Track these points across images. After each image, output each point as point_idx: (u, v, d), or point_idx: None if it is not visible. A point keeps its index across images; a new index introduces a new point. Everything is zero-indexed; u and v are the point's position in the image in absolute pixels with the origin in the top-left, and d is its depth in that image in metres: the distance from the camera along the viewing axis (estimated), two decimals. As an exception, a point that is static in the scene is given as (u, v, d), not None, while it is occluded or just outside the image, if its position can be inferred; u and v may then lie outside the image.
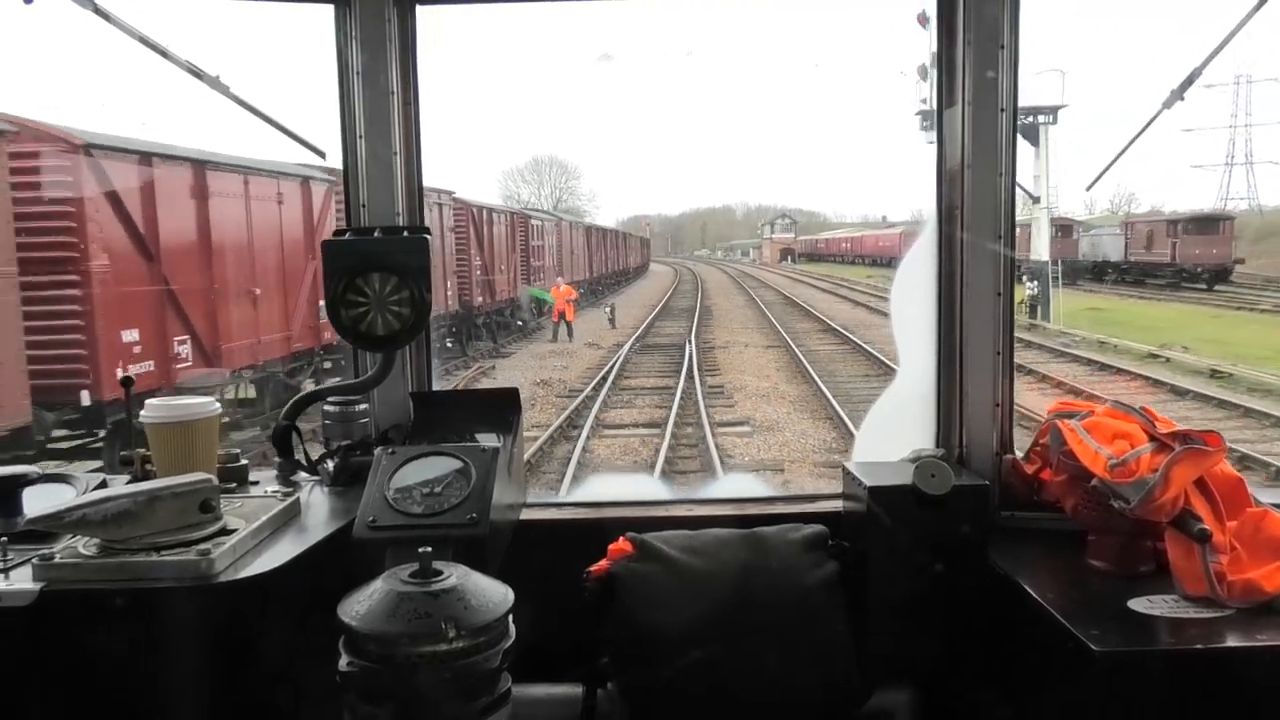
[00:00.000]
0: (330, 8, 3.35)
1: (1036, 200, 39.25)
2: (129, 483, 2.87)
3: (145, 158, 16.11)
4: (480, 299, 29.05)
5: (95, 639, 2.47)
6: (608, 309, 40.26)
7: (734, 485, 5.39)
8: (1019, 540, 3.12)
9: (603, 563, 3.09)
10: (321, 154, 3.60)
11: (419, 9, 3.40)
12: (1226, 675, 2.41)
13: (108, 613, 2.45)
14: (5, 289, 13.41)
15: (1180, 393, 20.97)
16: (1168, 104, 3.37)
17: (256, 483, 3.21)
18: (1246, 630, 2.46)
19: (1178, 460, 2.62)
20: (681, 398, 19.83)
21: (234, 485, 3.14)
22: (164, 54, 3.31)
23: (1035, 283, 36.33)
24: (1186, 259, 48.25)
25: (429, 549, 2.33)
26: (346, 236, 3.22)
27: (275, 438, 3.33)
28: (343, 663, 2.23)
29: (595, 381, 22.40)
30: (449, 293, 26.57)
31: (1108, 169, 3.72)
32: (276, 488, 3.15)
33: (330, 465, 3.31)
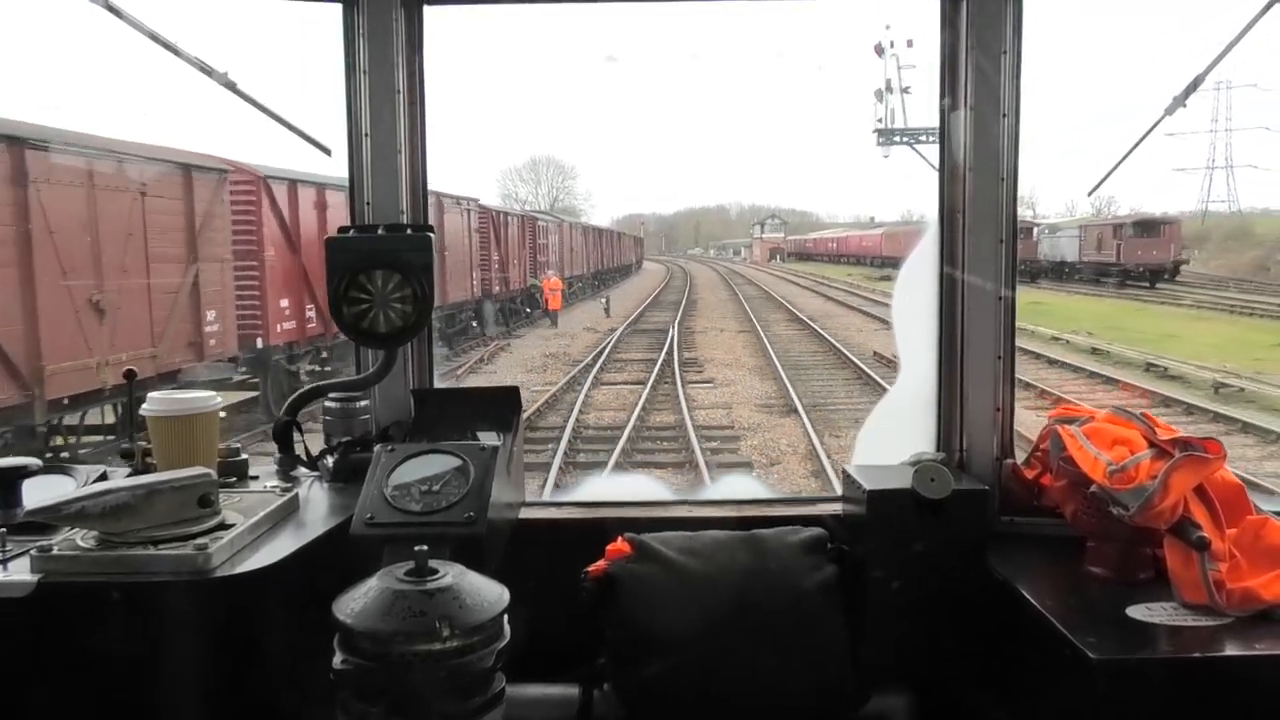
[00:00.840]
0: (338, 6, 3.34)
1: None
2: (129, 475, 2.87)
3: (291, 184, 22.00)
4: (498, 288, 33.89)
5: (92, 632, 2.45)
6: (603, 300, 44.26)
7: (733, 487, 5.39)
8: (1018, 546, 3.09)
9: (601, 563, 3.06)
10: (327, 151, 3.54)
11: (426, 9, 3.38)
12: (1225, 684, 2.39)
13: (104, 606, 2.44)
14: (225, 271, 19.54)
15: (1052, 362, 25.99)
16: (1170, 110, 3.35)
17: (256, 477, 3.19)
18: (1245, 639, 2.43)
19: (1177, 467, 2.59)
20: (662, 365, 24.64)
21: (234, 480, 3.12)
22: (174, 51, 3.29)
23: None
24: (1130, 259, 52.03)
25: (425, 548, 2.31)
26: (350, 234, 3.19)
27: (276, 433, 3.31)
28: (337, 660, 2.22)
29: (594, 354, 26.95)
30: (474, 282, 30.97)
31: (1110, 174, 3.67)
32: (276, 483, 3.12)
33: (330, 461, 3.30)
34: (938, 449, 3.41)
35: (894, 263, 69.75)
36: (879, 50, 43.69)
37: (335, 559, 2.66)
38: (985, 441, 3.35)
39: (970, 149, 3.28)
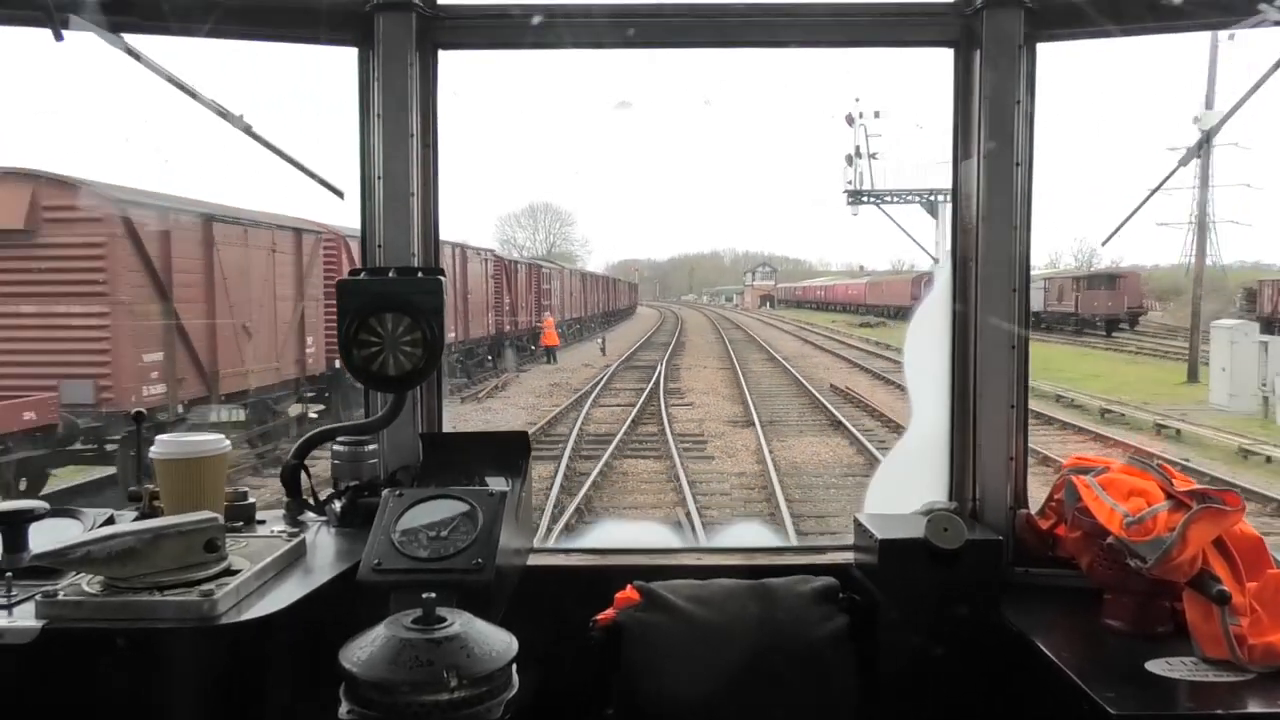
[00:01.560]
0: (354, 50, 3.14)
1: (937, 261, 39.61)
2: (136, 519, 2.68)
3: (504, 263, 24.56)
4: (508, 327, 36.13)
5: (97, 678, 2.24)
6: (600, 341, 45.80)
7: (743, 534, 5.04)
8: (1033, 597, 2.81)
9: (609, 611, 2.82)
10: (340, 194, 3.27)
11: (441, 53, 3.16)
12: None
13: (109, 652, 2.22)
14: (319, 307, 22.17)
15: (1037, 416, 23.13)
16: (1184, 161, 3.12)
17: (264, 522, 2.95)
18: (1268, 695, 2.19)
19: (1195, 519, 2.34)
20: (650, 393, 27.05)
21: (241, 524, 2.87)
22: (193, 95, 3.03)
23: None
24: (1087, 310, 52.38)
25: (432, 595, 2.10)
26: (361, 276, 2.96)
27: (284, 477, 3.07)
28: (343, 710, 2.02)
29: (591, 384, 29.70)
30: (489, 322, 33.19)
31: (1121, 226, 3.41)
32: (283, 528, 2.87)
33: (338, 506, 3.04)
34: (950, 498, 3.14)
35: (877, 310, 68.16)
36: (849, 120, 44.66)
37: (342, 605, 2.43)
38: (999, 491, 3.06)
39: (983, 198, 3.01)
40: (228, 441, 2.81)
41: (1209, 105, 33.48)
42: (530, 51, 3.18)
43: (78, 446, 15.19)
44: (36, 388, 14.86)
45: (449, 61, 3.16)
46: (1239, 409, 23.85)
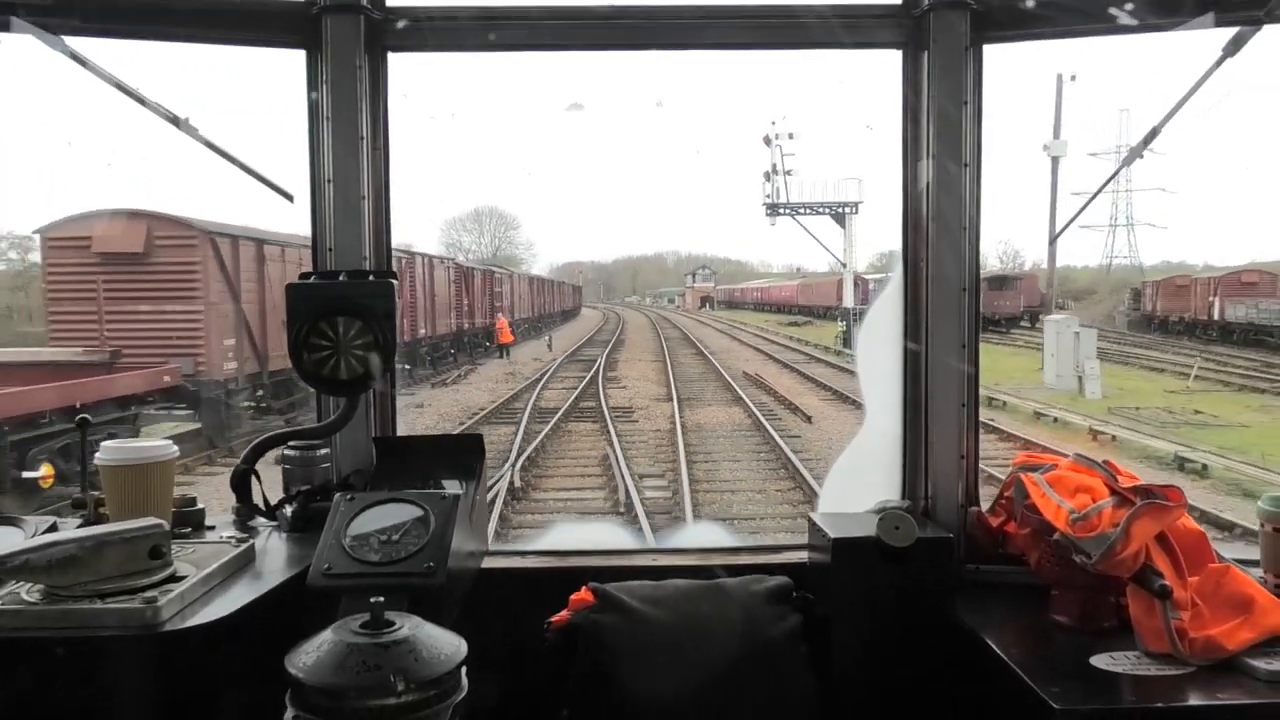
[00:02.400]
0: (302, 53, 2.87)
1: (845, 266, 46.52)
2: (80, 526, 2.45)
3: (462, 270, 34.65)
4: (466, 325, 37.36)
5: (37, 689, 2.03)
6: (547, 339, 47.17)
7: (699, 534, 4.68)
8: (984, 594, 2.60)
9: (564, 613, 2.58)
10: (289, 197, 2.98)
11: (390, 55, 2.90)
12: None
13: (49, 661, 2.00)
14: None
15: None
16: (1128, 161, 3.29)
17: (213, 528, 2.72)
18: (1208, 688, 2.05)
19: (1139, 515, 2.17)
20: (590, 379, 28.95)
21: (188, 530, 2.64)
22: (139, 100, 2.73)
23: (844, 322, 43.35)
24: (988, 309, 49.62)
25: (380, 599, 1.87)
26: (311, 280, 2.73)
27: (234, 482, 2.80)
28: (289, 716, 1.83)
29: (541, 373, 31.48)
30: (451, 320, 34.79)
31: (1067, 225, 3.47)
32: (232, 533, 2.64)
33: (289, 511, 2.78)
34: (903, 496, 2.90)
35: (808, 311, 66.52)
36: (767, 141, 45.31)
37: (291, 611, 2.22)
38: (950, 489, 2.83)
39: (932, 199, 2.77)
40: (175, 447, 2.59)
41: (1056, 135, 35.80)
42: (481, 54, 2.94)
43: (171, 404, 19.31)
44: (153, 363, 18.64)
45: (399, 64, 2.92)
46: (1062, 387, 26.53)
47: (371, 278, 2.70)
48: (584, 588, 2.58)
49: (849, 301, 42.53)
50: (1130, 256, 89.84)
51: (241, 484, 2.77)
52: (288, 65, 2.83)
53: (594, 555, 2.97)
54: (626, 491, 14.32)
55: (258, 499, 2.81)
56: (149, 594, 2.06)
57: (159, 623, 2.01)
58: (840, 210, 44.05)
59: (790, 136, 44.65)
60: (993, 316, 50.10)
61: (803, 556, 2.84)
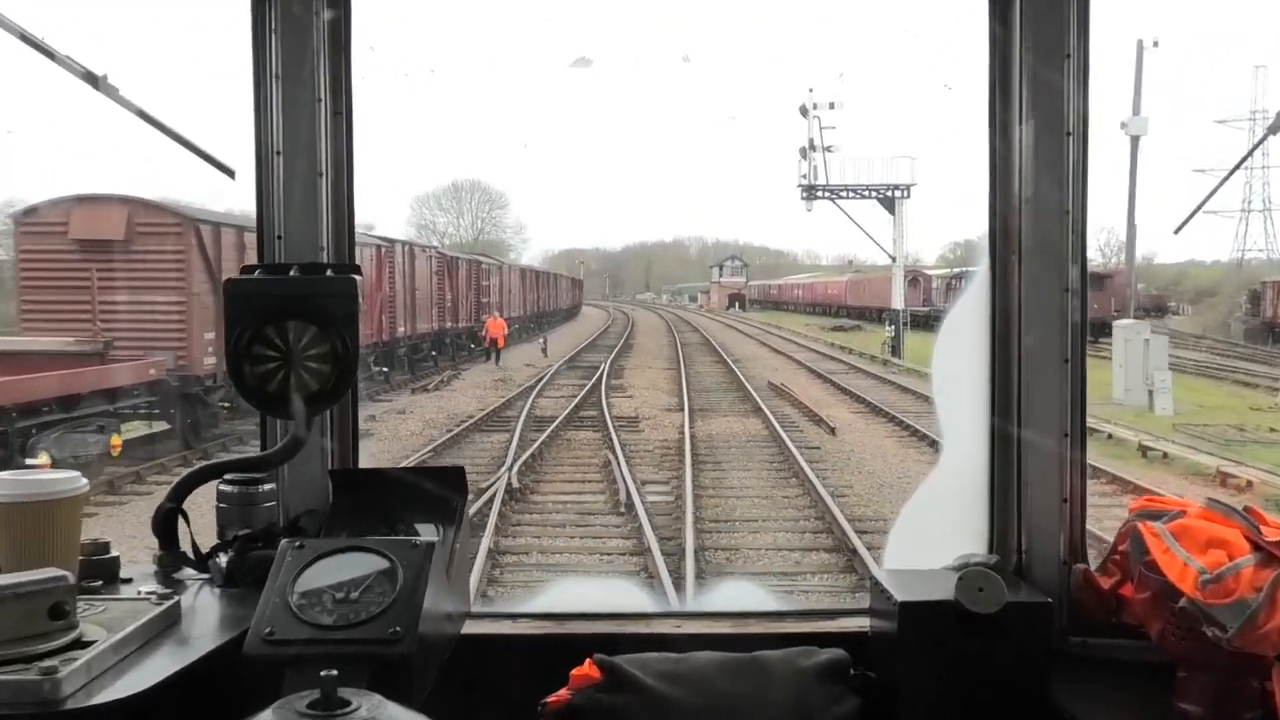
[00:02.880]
0: None
1: (894, 260, 45.10)
2: None
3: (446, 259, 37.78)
4: (450, 324, 38.01)
5: None
6: (541, 341, 47.61)
7: (731, 596, 4.12)
8: (1090, 673, 2.41)
9: (562, 692, 2.39)
10: (230, 172, 2.77)
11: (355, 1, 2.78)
12: None
13: None
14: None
15: (925, 399, 27.11)
16: (1274, 129, 2.62)
17: (130, 580, 2.54)
18: None
19: None
20: (591, 387, 29.77)
21: (99, 584, 2.47)
22: (49, 53, 2.50)
23: (893, 327, 42.74)
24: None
25: (334, 672, 1.67)
26: (256, 275, 2.54)
27: (156, 524, 2.59)
28: None
29: (535, 379, 32.32)
30: (433, 318, 35.77)
31: (1193, 214, 2.81)
32: (154, 588, 2.47)
33: (223, 560, 2.61)
34: (990, 550, 2.68)
35: (859, 313, 64.29)
36: (803, 111, 43.50)
37: (224, 685, 2.06)
38: (1050, 541, 2.59)
39: (1028, 175, 2.54)
40: (84, 480, 2.41)
41: (1136, 111, 34.02)
42: None
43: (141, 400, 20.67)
44: (130, 357, 19.90)
45: (365, 10, 2.73)
46: (1131, 402, 26.76)
47: (330, 273, 2.53)
48: (588, 660, 2.40)
49: (898, 303, 42.71)
50: (1268, 249, 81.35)
51: (166, 526, 2.58)
52: (229, 10, 2.70)
53: (601, 620, 2.76)
54: (627, 491, 16.17)
55: (186, 545, 2.64)
56: (48, 663, 1.94)
57: (59, 699, 1.89)
58: (890, 193, 42.80)
59: (831, 106, 43.57)
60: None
61: (863, 624, 2.66)
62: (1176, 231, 3.00)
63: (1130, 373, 27.43)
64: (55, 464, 15.55)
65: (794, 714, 2.34)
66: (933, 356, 3.00)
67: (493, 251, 66.46)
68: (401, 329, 31.76)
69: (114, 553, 2.53)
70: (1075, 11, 2.52)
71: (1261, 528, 2.16)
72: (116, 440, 18.11)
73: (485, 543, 13.49)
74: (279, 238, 2.65)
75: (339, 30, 2.68)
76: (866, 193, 44.11)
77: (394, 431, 22.99)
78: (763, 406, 25.71)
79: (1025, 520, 2.60)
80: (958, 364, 2.78)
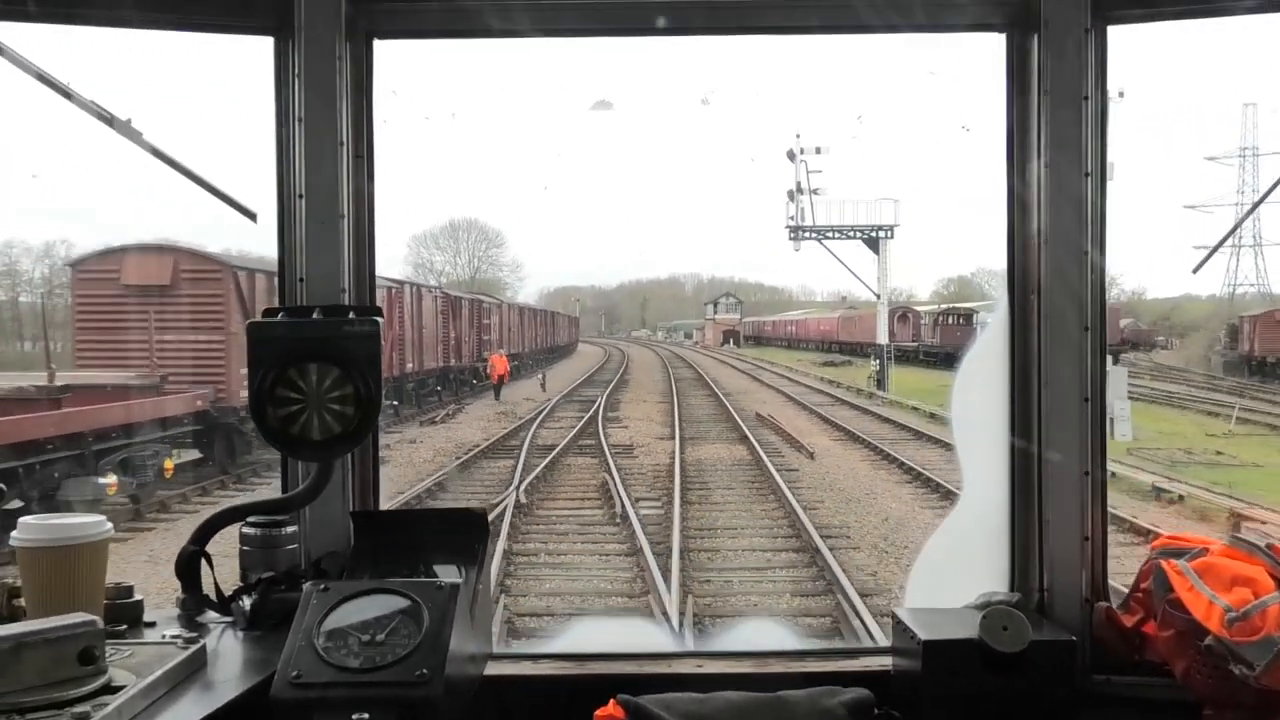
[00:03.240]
0: (270, 40, 2.62)
1: (879, 297, 45.83)
2: None
3: (449, 299, 38.23)
4: (454, 361, 38.78)
5: None
6: (540, 377, 48.22)
7: (753, 636, 4.03)
8: (1114, 711, 2.32)
9: None
10: (252, 216, 2.70)
11: (377, 43, 2.64)
12: None
13: None
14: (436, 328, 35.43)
15: (904, 429, 28.18)
16: None
17: (153, 624, 2.45)
18: None
19: None
20: (589, 418, 30.36)
21: (124, 628, 2.37)
22: (66, 94, 2.46)
23: (878, 361, 43.71)
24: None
25: (365, 716, 1.66)
26: (279, 318, 2.46)
27: (180, 567, 2.52)
28: None
29: (536, 412, 32.81)
30: (438, 355, 36.30)
31: (1212, 254, 2.88)
32: (178, 631, 2.38)
33: (247, 603, 2.52)
34: (1011, 588, 2.60)
35: (851, 348, 63.35)
36: (791, 156, 45.35)
37: None
38: (1072, 580, 2.48)
39: (1046, 215, 2.45)
40: (109, 524, 2.35)
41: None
42: (472, 41, 2.70)
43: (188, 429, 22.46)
44: (176, 391, 20.92)
45: (386, 53, 2.67)
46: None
47: (352, 315, 2.44)
48: (611, 701, 2.29)
49: (883, 338, 44.22)
50: (1259, 284, 78.73)
51: (189, 569, 2.50)
52: (252, 54, 2.64)
53: (623, 660, 2.67)
54: (623, 505, 17.40)
55: (209, 588, 2.55)
56: (79, 709, 1.88)
57: None
58: (874, 234, 43.78)
59: (818, 151, 45.51)
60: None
61: (886, 663, 2.56)
62: (1195, 271, 3.06)
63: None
64: (120, 486, 17.54)
65: None
66: (951, 395, 2.85)
67: (490, 289, 67.18)
68: (410, 365, 32.54)
69: (137, 596, 2.42)
70: (1094, 54, 2.46)
71: None
72: (169, 464, 19.48)
73: (500, 546, 14.47)
74: (301, 280, 2.58)
75: (360, 74, 2.60)
76: (851, 233, 44.99)
77: (409, 459, 23.95)
78: (749, 435, 26.68)
79: (1047, 558, 2.50)
80: (978, 400, 2.69)
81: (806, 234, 44.91)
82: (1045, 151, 2.47)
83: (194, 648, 2.24)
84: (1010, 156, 2.56)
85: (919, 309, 65.31)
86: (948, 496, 18.02)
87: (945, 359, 47.62)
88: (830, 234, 44.53)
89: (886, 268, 44.62)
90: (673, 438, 26.99)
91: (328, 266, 2.57)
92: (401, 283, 33.72)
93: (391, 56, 2.72)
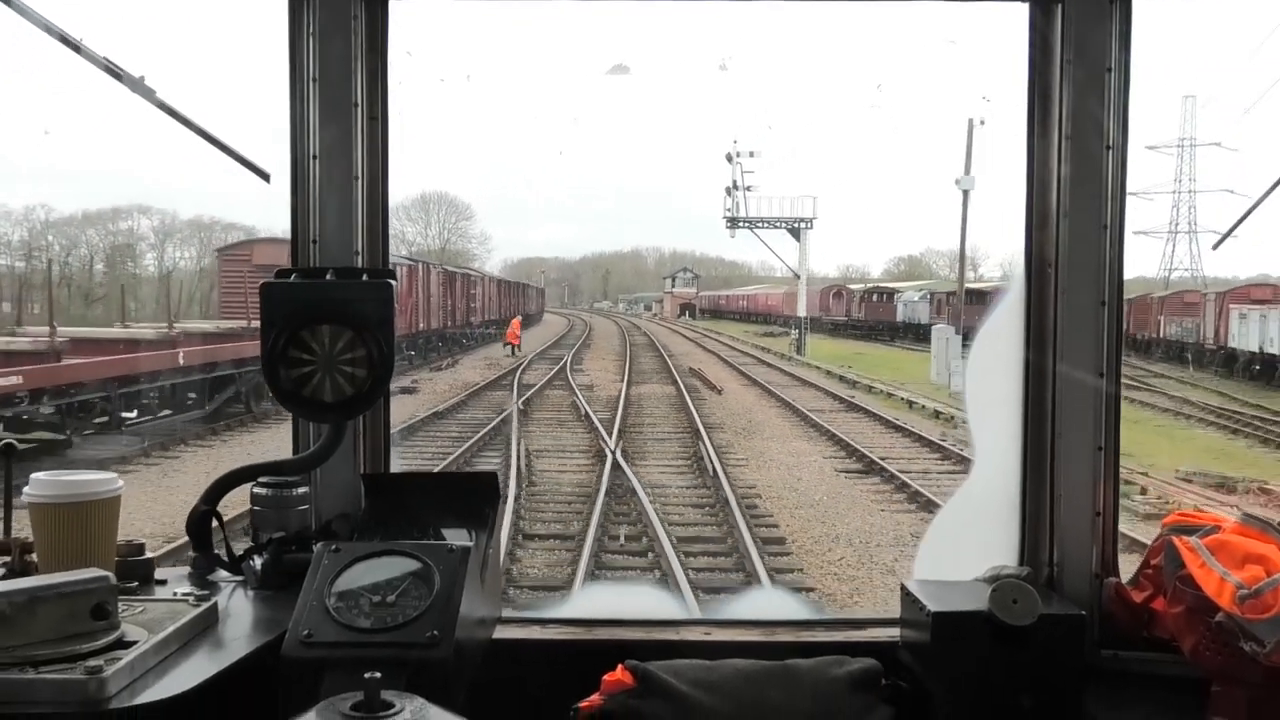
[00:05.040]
0: (285, 0, 2.70)
1: (798, 277, 56.62)
2: (3, 578, 2.27)
3: (448, 273, 51.06)
4: (449, 323, 49.06)
5: None
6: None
7: (763, 604, 4.51)
8: (1123, 687, 2.35)
9: (594, 697, 2.31)
10: (265, 176, 2.71)
11: (392, 3, 2.69)
12: None
13: None
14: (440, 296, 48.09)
15: (798, 380, 38.76)
16: None
17: (164, 582, 2.51)
18: None
19: None
20: (560, 369, 40.10)
21: (135, 585, 2.43)
22: (76, 48, 2.49)
23: (796, 331, 54.88)
24: (969, 321, 59.38)
25: (377, 675, 1.64)
26: (292, 279, 2.52)
27: (190, 526, 2.59)
28: None
29: (517, 366, 41.89)
30: (441, 318, 46.57)
31: (1229, 232, 2.83)
32: (189, 589, 2.43)
33: (258, 563, 2.56)
34: (1021, 562, 2.61)
35: (793, 321, 70.73)
36: (729, 158, 55.63)
37: (263, 687, 2.04)
38: (1082, 555, 2.53)
39: (1066, 189, 2.49)
40: (120, 481, 2.43)
41: (967, 171, 42.82)
42: (500, 1, 2.82)
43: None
44: None
45: (401, 13, 2.70)
46: (941, 382, 35.65)
47: (365, 277, 2.52)
48: (620, 666, 2.34)
49: (802, 311, 55.41)
50: (1192, 269, 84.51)
51: (200, 529, 2.58)
52: (266, 13, 2.65)
53: (631, 626, 2.71)
54: (587, 414, 26.50)
55: (219, 548, 2.65)
56: (92, 662, 1.92)
57: (104, 698, 1.87)
58: (796, 225, 55.13)
59: (751, 155, 56.34)
60: (965, 332, 56.08)
61: (894, 634, 2.60)
62: (1215, 247, 3.40)
63: (939, 361, 36.73)
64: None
65: None
66: (965, 370, 2.94)
67: (458, 260, 74.44)
68: (422, 325, 41.76)
69: (148, 554, 2.52)
70: (1118, 24, 2.47)
71: None
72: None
73: (515, 431, 22.83)
74: (314, 242, 2.62)
75: (376, 35, 2.64)
76: (778, 224, 54.93)
77: (432, 389, 32.67)
78: (679, 380, 36.13)
79: (1057, 533, 2.54)
80: (992, 375, 2.72)
81: (741, 224, 54.99)
82: (1066, 123, 2.47)
83: (205, 605, 2.28)
84: (1030, 128, 2.56)
85: (852, 288, 76.95)
86: (789, 406, 28.43)
87: (869, 330, 60.35)
88: (761, 224, 54.40)
89: (806, 253, 55.50)
90: (622, 381, 36.24)
91: (341, 228, 2.58)
92: (415, 261, 43.61)
93: (408, 17, 2.69)
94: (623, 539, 13.98)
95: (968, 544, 2.66)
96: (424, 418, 24.34)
